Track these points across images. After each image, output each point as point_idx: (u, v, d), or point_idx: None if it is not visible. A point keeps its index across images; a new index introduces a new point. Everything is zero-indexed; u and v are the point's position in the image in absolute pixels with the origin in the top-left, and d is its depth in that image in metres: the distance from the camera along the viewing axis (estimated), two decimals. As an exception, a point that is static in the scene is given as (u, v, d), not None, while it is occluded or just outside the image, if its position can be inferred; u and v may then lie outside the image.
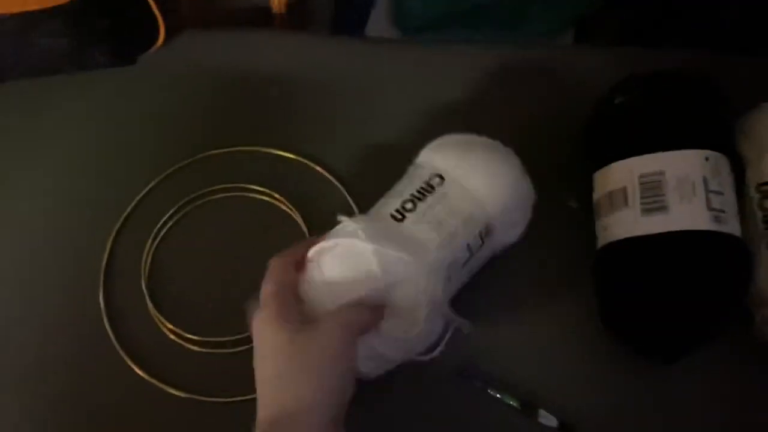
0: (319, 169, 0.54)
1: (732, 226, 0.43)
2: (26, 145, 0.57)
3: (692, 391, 0.46)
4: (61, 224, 0.53)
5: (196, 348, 0.48)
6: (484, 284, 0.47)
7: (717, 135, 0.45)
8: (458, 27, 0.80)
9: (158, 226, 0.52)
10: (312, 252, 0.43)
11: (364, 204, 0.49)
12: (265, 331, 0.40)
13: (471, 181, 0.44)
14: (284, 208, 0.53)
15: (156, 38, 0.59)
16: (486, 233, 0.45)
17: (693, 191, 0.42)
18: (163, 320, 0.49)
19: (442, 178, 0.44)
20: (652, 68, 0.47)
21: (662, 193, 0.43)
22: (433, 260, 0.42)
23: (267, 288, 0.41)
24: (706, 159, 0.43)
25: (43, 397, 0.47)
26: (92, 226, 0.53)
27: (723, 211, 0.42)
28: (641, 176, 0.44)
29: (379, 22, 0.81)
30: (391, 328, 0.41)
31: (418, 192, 0.44)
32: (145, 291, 0.50)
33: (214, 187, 0.54)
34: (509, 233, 0.47)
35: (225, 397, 0.46)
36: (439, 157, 0.46)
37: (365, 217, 0.44)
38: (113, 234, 0.52)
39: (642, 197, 0.44)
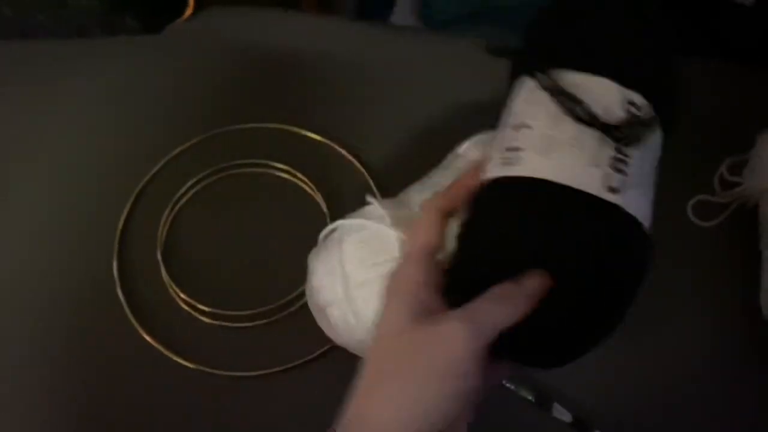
0: (343, 151, 0.54)
1: (629, 198, 0.32)
2: (48, 106, 0.56)
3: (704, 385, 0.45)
4: (80, 188, 0.53)
5: (207, 320, 0.48)
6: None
7: (637, 74, 0.34)
8: (482, 26, 0.80)
9: (177, 196, 0.52)
10: (336, 224, 0.42)
11: (386, 189, 0.49)
12: (390, 304, 0.32)
13: None
14: (306, 188, 0.53)
15: (184, 9, 0.59)
16: None
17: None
18: (176, 289, 0.48)
19: None
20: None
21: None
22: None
23: (418, 239, 0.34)
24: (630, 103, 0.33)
25: (51, 361, 0.47)
26: (110, 191, 0.52)
27: (623, 173, 0.32)
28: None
29: (402, 14, 0.81)
30: None
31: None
32: (160, 260, 0.50)
33: (236, 162, 0.53)
34: None
35: (233, 371, 0.46)
36: (480, 150, 0.44)
37: (394, 202, 0.43)
38: (131, 201, 0.52)
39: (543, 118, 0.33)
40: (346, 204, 0.46)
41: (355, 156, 0.54)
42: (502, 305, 0.31)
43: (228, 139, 0.55)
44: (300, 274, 0.45)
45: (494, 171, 0.34)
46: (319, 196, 0.52)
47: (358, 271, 0.41)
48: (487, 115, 0.57)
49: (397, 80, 0.58)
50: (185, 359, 0.47)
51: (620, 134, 0.32)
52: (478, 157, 0.36)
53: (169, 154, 0.53)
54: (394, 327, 0.31)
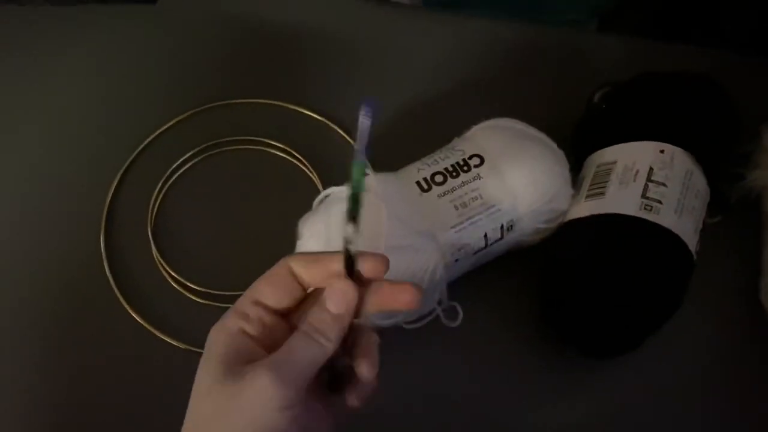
0: (339, 130, 0.53)
1: (663, 218, 0.41)
2: (36, 75, 0.54)
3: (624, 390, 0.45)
4: (68, 160, 0.51)
5: (198, 299, 0.47)
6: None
7: (677, 130, 0.44)
8: (481, 7, 0.78)
9: (169, 171, 0.50)
10: (327, 192, 0.42)
11: (382, 167, 0.48)
12: (202, 361, 0.30)
13: (511, 173, 0.42)
14: (301, 166, 0.51)
15: (179, -22, 0.56)
16: (508, 229, 0.43)
17: (633, 179, 0.42)
18: (167, 267, 0.47)
19: (482, 159, 0.43)
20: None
21: (607, 179, 0.43)
22: (444, 239, 0.41)
23: (255, 292, 0.31)
24: (661, 151, 0.43)
25: (37, 339, 0.46)
26: (99, 164, 0.51)
27: (659, 202, 0.41)
28: (598, 166, 0.45)
29: (402, -8, 0.79)
30: None
31: (452, 167, 0.42)
32: (150, 237, 0.48)
33: (231, 137, 0.52)
34: (531, 236, 0.45)
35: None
36: (486, 138, 0.44)
37: (391, 176, 0.43)
38: (119, 175, 0.50)
39: (590, 185, 0.44)
40: (341, 182, 0.45)
41: (350, 134, 0.52)
42: (313, 341, 0.28)
43: (222, 114, 0.53)
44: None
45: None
46: (315, 174, 0.51)
47: (342, 239, 0.40)
48: (484, 93, 0.57)
49: (395, 58, 0.57)
50: (174, 339, 0.45)
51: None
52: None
53: (161, 127, 0.52)
54: (203, 386, 0.29)
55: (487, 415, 0.44)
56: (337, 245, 0.40)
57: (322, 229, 0.41)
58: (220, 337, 0.30)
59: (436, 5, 0.79)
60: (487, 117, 0.47)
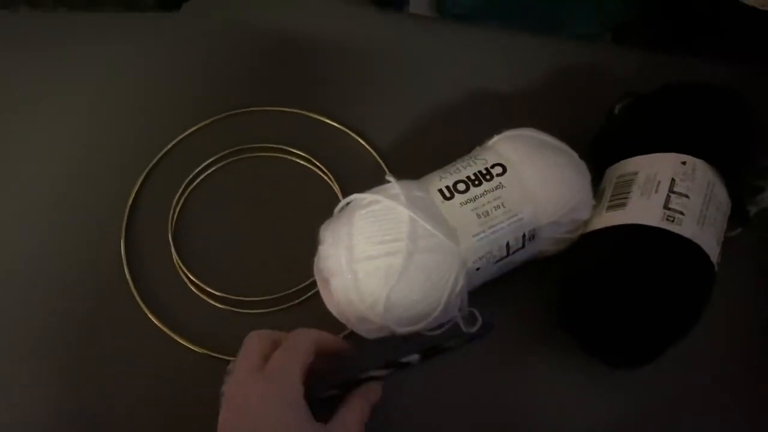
0: (359, 138, 0.53)
1: (685, 229, 0.41)
2: (59, 81, 0.55)
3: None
4: (89, 165, 0.52)
5: (216, 303, 0.47)
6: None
7: (699, 142, 0.44)
8: (497, 20, 0.79)
9: (190, 177, 0.51)
10: (350, 198, 0.42)
11: (401, 176, 0.48)
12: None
13: (533, 182, 0.42)
14: (321, 174, 0.51)
15: (202, -13, 0.57)
16: (529, 238, 0.43)
17: (655, 189, 0.42)
18: (186, 272, 0.47)
19: (504, 169, 0.43)
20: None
21: (628, 190, 0.43)
22: (466, 248, 0.41)
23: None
24: (683, 163, 0.43)
25: (57, 343, 0.46)
26: (121, 169, 0.51)
27: (681, 213, 0.41)
28: (618, 177, 0.45)
29: (419, 6, 0.80)
30: (398, 316, 0.40)
31: (475, 176, 0.42)
32: (170, 241, 0.48)
33: (251, 145, 0.52)
34: (552, 246, 0.45)
35: (231, 355, 0.44)
36: (508, 147, 0.44)
37: (413, 184, 0.43)
38: (140, 180, 0.51)
39: (612, 195, 0.44)
40: (360, 190, 0.45)
41: (369, 143, 0.53)
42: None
43: (244, 121, 0.53)
44: (309, 263, 0.44)
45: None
46: (334, 182, 0.51)
47: (364, 244, 0.40)
48: (502, 104, 0.57)
49: (412, 67, 0.57)
50: (192, 343, 0.45)
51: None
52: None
53: (182, 134, 0.52)
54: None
55: (505, 423, 0.44)
56: (359, 251, 0.41)
57: (344, 235, 0.41)
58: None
59: (453, 17, 0.80)
60: (507, 127, 0.47)
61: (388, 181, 0.43)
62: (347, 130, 0.53)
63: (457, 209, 0.41)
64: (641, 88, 0.50)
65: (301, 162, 0.52)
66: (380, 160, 0.52)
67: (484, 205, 0.42)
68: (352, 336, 0.45)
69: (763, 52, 0.63)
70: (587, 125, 0.50)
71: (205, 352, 0.45)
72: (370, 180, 0.44)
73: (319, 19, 0.60)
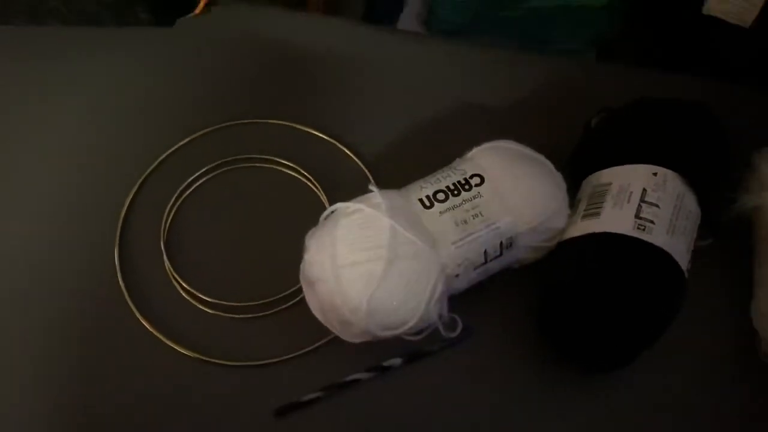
0: (345, 149, 0.55)
1: (656, 237, 0.43)
2: (56, 93, 0.57)
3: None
4: (84, 174, 0.53)
5: (207, 309, 0.48)
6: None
7: (670, 154, 0.46)
8: (485, 36, 0.81)
9: (181, 187, 0.52)
10: (334, 207, 0.44)
11: (386, 186, 0.50)
12: None
13: (510, 192, 0.44)
14: (309, 184, 0.53)
15: (195, 5, 0.59)
16: (507, 246, 0.45)
17: (627, 199, 0.44)
18: (178, 279, 0.49)
19: (482, 179, 0.45)
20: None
21: (602, 200, 0.45)
22: (445, 255, 0.43)
23: None
24: (654, 174, 0.45)
25: (50, 347, 0.47)
26: (115, 180, 0.53)
27: (651, 222, 0.43)
28: (594, 187, 0.47)
29: (408, 22, 0.82)
30: (380, 320, 0.42)
31: (454, 186, 0.44)
32: (163, 249, 0.50)
33: (240, 156, 0.54)
34: (530, 254, 0.47)
35: (231, 360, 0.47)
36: (487, 158, 0.46)
37: (395, 193, 0.45)
38: (134, 190, 0.52)
39: (587, 205, 0.46)
40: (347, 200, 0.47)
41: (357, 154, 0.55)
42: None
43: (233, 133, 0.55)
44: (296, 270, 0.46)
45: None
46: (322, 192, 0.53)
47: (348, 251, 0.42)
48: (485, 117, 0.59)
49: (400, 81, 0.60)
50: (184, 347, 0.47)
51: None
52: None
53: (175, 145, 0.54)
54: None
55: (484, 426, 0.46)
56: (342, 257, 0.42)
57: (328, 242, 0.43)
58: None
59: (441, 34, 0.82)
60: (489, 140, 0.49)
61: (371, 191, 0.44)
62: (335, 142, 0.55)
63: (436, 218, 0.43)
64: (621, 103, 0.52)
65: (290, 173, 0.54)
66: (366, 171, 0.54)
67: (462, 213, 0.43)
68: (336, 341, 0.46)
69: (743, 68, 0.65)
70: (567, 138, 0.52)
71: (197, 356, 0.47)
72: (356, 189, 0.46)
73: (311, 34, 0.62)
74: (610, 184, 0.46)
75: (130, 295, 0.49)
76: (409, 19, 0.82)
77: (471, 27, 0.81)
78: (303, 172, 0.54)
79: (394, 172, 0.49)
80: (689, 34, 0.74)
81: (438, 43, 0.65)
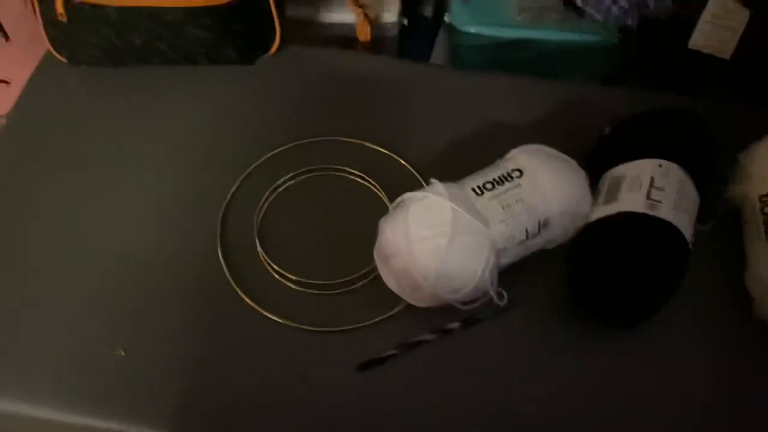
0: (401, 160, 0.66)
1: (664, 213, 0.53)
2: (165, 116, 0.69)
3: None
4: (188, 182, 0.65)
5: (293, 286, 0.59)
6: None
7: (671, 150, 0.57)
8: (501, 73, 0.93)
9: (270, 189, 0.64)
10: (404, 197, 0.54)
11: (444, 181, 0.59)
12: None
13: (544, 182, 0.55)
14: (373, 188, 0.65)
15: (271, 46, 0.72)
16: (543, 225, 0.55)
17: (639, 186, 0.55)
18: (269, 261, 0.59)
19: (521, 172, 0.56)
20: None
21: (619, 188, 0.56)
22: (495, 230, 0.53)
23: None
24: (659, 165, 0.57)
25: (166, 323, 0.57)
26: (214, 185, 0.64)
27: (659, 202, 0.54)
28: (611, 179, 0.58)
29: (438, 59, 0.95)
30: (446, 284, 0.52)
31: (499, 178, 0.55)
32: (256, 239, 0.61)
33: (318, 166, 0.66)
34: (560, 233, 0.57)
35: (312, 326, 0.57)
36: (525, 156, 0.57)
37: (452, 184, 0.56)
38: (231, 192, 0.64)
39: (606, 193, 0.57)
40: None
41: (409, 162, 0.66)
42: None
43: (311, 148, 0.67)
44: (367, 255, 0.57)
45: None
46: (383, 193, 0.64)
47: (419, 229, 0.53)
48: (511, 131, 0.70)
49: (441, 105, 0.71)
50: (273, 314, 0.57)
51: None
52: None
53: (263, 157, 0.66)
54: None
55: (530, 379, 0.55)
56: (414, 234, 0.53)
57: (401, 223, 0.53)
58: None
59: (466, 68, 0.94)
60: (520, 146, 0.60)
61: (432, 183, 0.55)
62: (391, 154, 0.67)
63: (487, 202, 0.54)
64: (623, 115, 0.64)
65: (357, 179, 0.65)
66: (417, 175, 0.65)
67: (507, 199, 0.54)
68: (404, 311, 0.56)
69: (722, 88, 0.77)
70: (581, 145, 0.63)
71: (286, 322, 0.57)
72: (409, 190, 0.56)
73: (367, 66, 0.74)
74: (624, 176, 0.57)
75: (232, 276, 0.59)
76: (439, 58, 0.95)
77: (489, 65, 0.93)
78: (366, 177, 0.65)
79: (449, 170, 0.59)
80: (678, 65, 0.86)
81: (466, 74, 0.77)
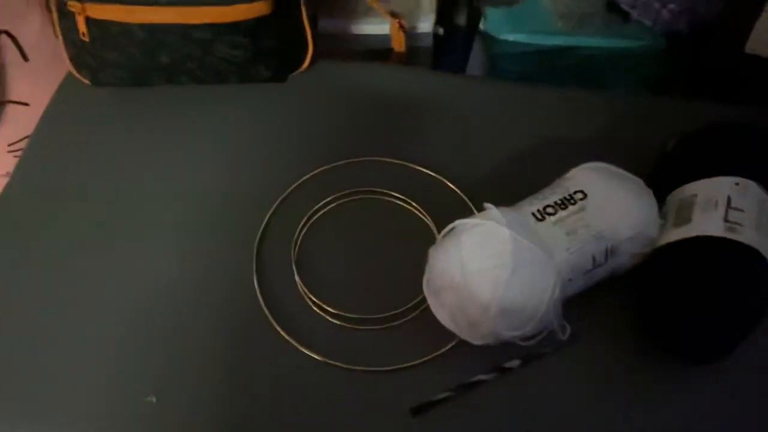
0: (446, 181, 0.61)
1: (745, 237, 0.48)
2: (195, 138, 0.66)
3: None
4: (222, 207, 0.61)
5: (332, 320, 0.54)
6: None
7: (749, 166, 0.52)
8: (542, 82, 0.89)
9: (309, 213, 0.59)
10: (455, 224, 0.50)
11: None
12: None
13: (610, 205, 0.50)
14: (417, 213, 0.60)
15: (303, 61, 0.68)
16: (611, 253, 0.51)
17: (714, 206, 0.50)
18: (307, 292, 0.55)
19: (584, 194, 0.51)
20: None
21: (691, 210, 0.51)
22: (560, 260, 0.48)
23: None
24: (736, 183, 0.51)
25: (202, 353, 0.53)
26: (249, 210, 0.60)
27: (739, 224, 0.49)
28: (680, 200, 0.53)
29: (474, 70, 0.90)
30: (507, 320, 0.47)
31: (561, 201, 0.51)
32: (293, 267, 0.56)
33: (357, 188, 0.61)
34: (627, 260, 0.52)
35: (353, 365, 0.52)
36: (588, 177, 0.52)
37: (509, 209, 0.51)
38: (267, 217, 0.60)
39: (676, 215, 0.52)
40: (450, 223, 0.52)
41: (456, 184, 0.61)
42: None
43: (351, 169, 0.63)
44: (413, 286, 0.52)
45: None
46: (429, 218, 0.59)
47: (474, 260, 0.48)
48: (561, 147, 0.65)
49: (485, 120, 0.67)
50: (313, 352, 0.52)
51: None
52: None
53: (301, 179, 0.61)
54: None
55: (597, 420, 0.50)
56: (471, 265, 0.48)
57: (454, 254, 0.48)
58: None
59: (505, 79, 0.90)
60: (575, 164, 0.55)
61: (486, 208, 0.50)
62: (436, 175, 0.62)
63: (549, 228, 0.49)
64: (686, 129, 0.58)
65: (400, 203, 0.61)
66: (465, 198, 0.60)
67: (571, 224, 0.49)
68: (459, 345, 0.51)
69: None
70: (640, 162, 0.57)
71: (324, 360, 0.52)
72: (456, 215, 0.52)
73: (406, 82, 0.70)
74: (695, 195, 0.52)
75: (267, 307, 0.55)
76: (472, 72, 0.90)
77: (531, 77, 0.89)
78: (410, 201, 0.60)
79: (497, 193, 0.54)
80: (731, 71, 0.81)
81: (509, 85, 0.73)
